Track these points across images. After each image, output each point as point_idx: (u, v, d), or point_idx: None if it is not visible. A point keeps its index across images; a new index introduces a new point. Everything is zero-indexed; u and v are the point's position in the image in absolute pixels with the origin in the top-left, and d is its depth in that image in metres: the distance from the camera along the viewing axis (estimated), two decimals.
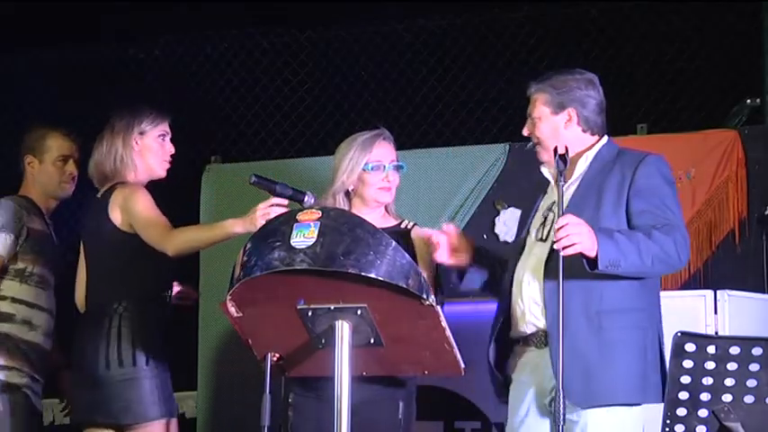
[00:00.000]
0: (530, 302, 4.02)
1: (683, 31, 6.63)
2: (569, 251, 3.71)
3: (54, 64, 7.50)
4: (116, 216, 4.59)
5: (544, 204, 4.19)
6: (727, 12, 6.54)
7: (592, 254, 3.76)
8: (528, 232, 4.18)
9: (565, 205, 3.97)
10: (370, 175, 4.29)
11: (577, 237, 3.72)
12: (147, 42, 7.38)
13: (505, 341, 4.13)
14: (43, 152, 4.99)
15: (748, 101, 6.19)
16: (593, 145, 4.14)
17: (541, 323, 3.98)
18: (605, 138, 4.17)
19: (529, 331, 4.03)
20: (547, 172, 4.21)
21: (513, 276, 4.11)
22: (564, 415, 3.65)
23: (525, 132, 4.19)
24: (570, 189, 4.06)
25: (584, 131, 4.13)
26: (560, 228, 3.71)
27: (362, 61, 7.11)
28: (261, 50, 7.24)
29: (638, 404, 3.93)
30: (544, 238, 4.05)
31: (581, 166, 4.10)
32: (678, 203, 4.07)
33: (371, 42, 7.09)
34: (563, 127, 4.11)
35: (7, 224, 4.76)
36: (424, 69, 7.02)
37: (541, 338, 3.99)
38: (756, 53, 6.37)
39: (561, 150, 3.89)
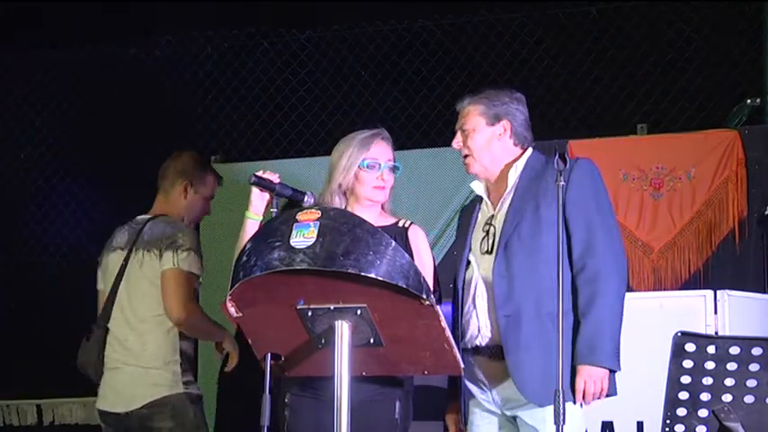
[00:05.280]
0: (483, 316, 4.11)
1: (683, 31, 6.64)
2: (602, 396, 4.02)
3: (55, 64, 7.51)
4: None
5: (482, 219, 4.26)
6: (727, 12, 6.54)
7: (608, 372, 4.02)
8: (469, 247, 4.24)
9: (504, 216, 4.13)
10: (366, 173, 4.28)
11: (596, 385, 3.99)
12: (147, 42, 7.38)
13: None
14: (200, 185, 4.99)
15: (749, 101, 6.20)
16: (521, 155, 4.25)
17: (495, 334, 4.07)
18: (530, 150, 4.27)
19: (483, 343, 4.11)
20: (478, 186, 4.31)
21: (462, 291, 4.20)
22: (564, 415, 3.66)
23: (456, 145, 4.28)
24: (507, 200, 4.18)
25: (514, 144, 4.25)
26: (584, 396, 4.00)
27: (363, 61, 7.11)
28: (261, 50, 7.25)
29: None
30: (489, 250, 4.14)
31: (512, 177, 4.20)
32: (609, 202, 4.19)
33: (372, 42, 7.09)
34: (497, 138, 4.22)
35: (195, 245, 4.81)
36: (424, 69, 7.03)
37: (495, 351, 4.07)
38: (757, 53, 6.38)
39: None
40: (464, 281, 4.20)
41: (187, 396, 4.74)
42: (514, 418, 4.11)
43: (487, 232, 4.18)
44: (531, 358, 3.97)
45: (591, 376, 3.97)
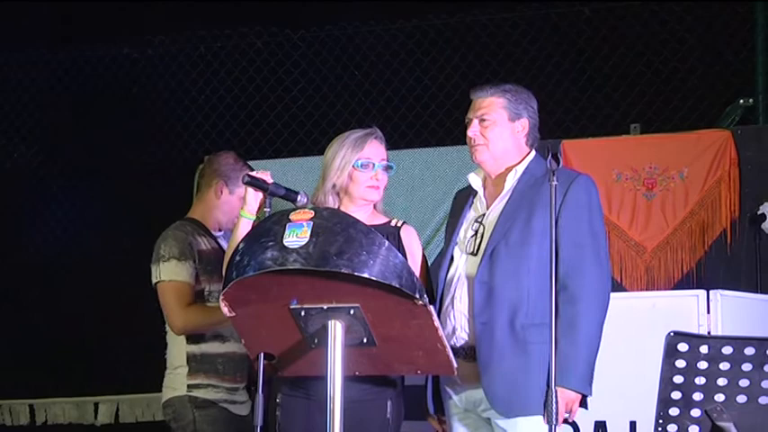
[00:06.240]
0: (460, 317, 4.09)
1: (676, 31, 6.65)
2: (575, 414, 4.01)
3: (50, 64, 7.51)
4: None
5: (473, 215, 4.25)
6: (719, 12, 6.55)
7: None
8: (456, 244, 4.22)
9: (496, 219, 4.11)
10: (360, 172, 4.27)
11: (567, 406, 3.95)
12: (140, 42, 7.38)
13: None
14: (237, 185, 4.90)
15: (741, 101, 6.21)
16: (523, 159, 4.23)
17: (469, 337, 4.07)
18: (533, 152, 4.25)
19: (458, 344, 4.10)
20: (475, 180, 4.27)
21: (443, 289, 4.18)
22: (556, 415, 3.67)
23: (472, 134, 4.22)
24: (501, 203, 4.16)
25: (526, 144, 4.24)
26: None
27: (356, 61, 7.12)
28: (254, 50, 7.25)
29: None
30: (475, 251, 4.13)
31: (510, 180, 4.18)
32: (602, 223, 4.16)
33: (365, 42, 7.10)
34: (515, 135, 4.21)
35: (179, 252, 4.77)
36: (417, 69, 7.03)
37: (469, 352, 4.06)
38: (749, 53, 6.39)
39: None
40: (446, 278, 4.19)
41: (190, 399, 4.75)
42: (489, 419, 4.11)
43: (476, 232, 4.16)
44: (503, 369, 3.96)
45: (563, 398, 3.92)
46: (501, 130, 4.20)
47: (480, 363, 3.99)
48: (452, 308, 4.12)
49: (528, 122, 4.21)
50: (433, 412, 4.25)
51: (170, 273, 4.75)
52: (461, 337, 4.08)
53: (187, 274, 4.76)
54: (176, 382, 4.77)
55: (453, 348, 4.08)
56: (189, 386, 4.74)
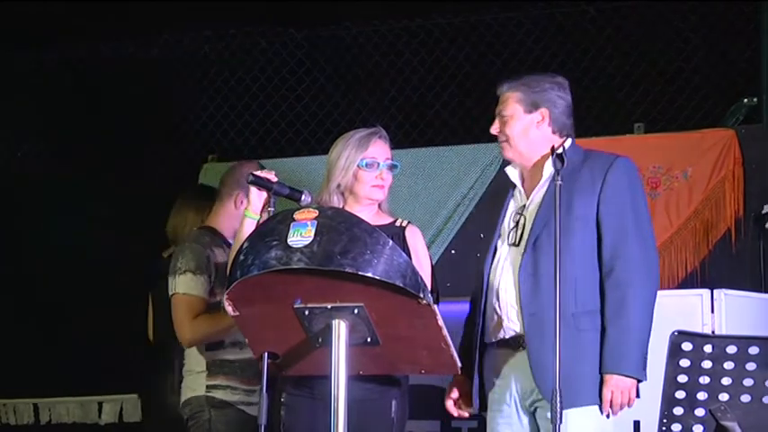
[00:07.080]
0: (507, 308, 4.07)
1: (680, 30, 6.64)
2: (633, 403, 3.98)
3: (56, 64, 7.51)
4: None
5: (513, 207, 4.22)
6: (725, 11, 6.54)
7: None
8: (499, 236, 4.20)
9: (536, 209, 4.08)
10: (364, 172, 4.28)
11: (623, 395, 3.93)
12: (145, 42, 7.38)
13: (471, 344, 4.19)
14: None
15: (745, 100, 6.20)
16: (559, 147, 4.15)
17: (519, 327, 4.04)
18: (570, 140, 4.20)
19: (507, 336, 4.08)
20: (512, 173, 4.24)
21: (486, 282, 4.15)
22: (561, 413, 3.67)
23: (494, 131, 4.21)
24: (540, 192, 4.13)
25: (553, 132, 4.18)
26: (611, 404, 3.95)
27: (360, 60, 7.11)
28: (259, 50, 7.25)
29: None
30: (517, 242, 4.10)
31: (548, 168, 4.13)
32: (646, 205, 4.14)
33: (369, 42, 7.10)
34: (534, 126, 4.16)
35: (195, 266, 4.78)
36: (421, 69, 7.03)
37: (519, 342, 4.04)
38: (754, 53, 6.38)
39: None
40: (489, 269, 4.15)
41: (207, 399, 4.79)
42: (534, 410, 4.07)
43: (517, 223, 4.12)
44: (555, 360, 3.84)
45: (618, 386, 3.91)
46: (518, 124, 4.16)
47: (531, 355, 3.96)
48: (497, 299, 4.09)
49: (548, 111, 4.15)
50: (477, 409, 4.20)
51: (184, 286, 4.77)
52: (510, 327, 4.05)
53: (201, 288, 4.77)
54: (196, 383, 4.82)
55: (502, 340, 4.08)
56: (208, 387, 4.79)
